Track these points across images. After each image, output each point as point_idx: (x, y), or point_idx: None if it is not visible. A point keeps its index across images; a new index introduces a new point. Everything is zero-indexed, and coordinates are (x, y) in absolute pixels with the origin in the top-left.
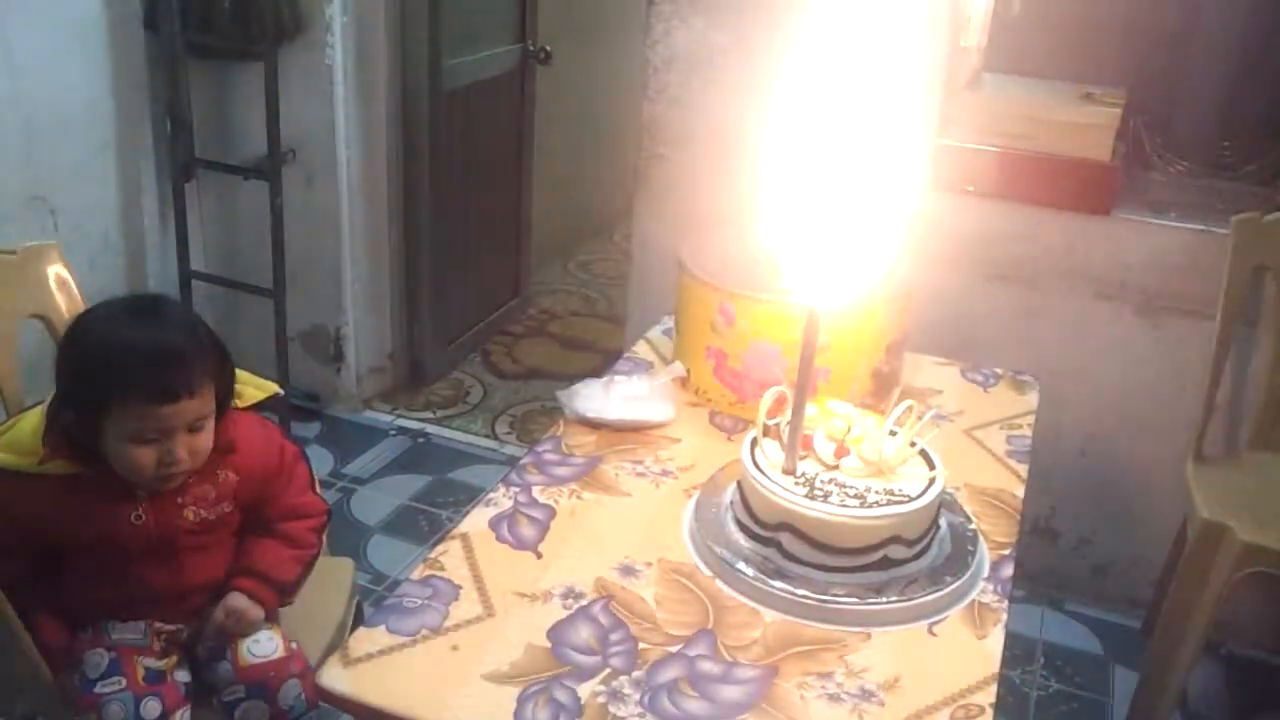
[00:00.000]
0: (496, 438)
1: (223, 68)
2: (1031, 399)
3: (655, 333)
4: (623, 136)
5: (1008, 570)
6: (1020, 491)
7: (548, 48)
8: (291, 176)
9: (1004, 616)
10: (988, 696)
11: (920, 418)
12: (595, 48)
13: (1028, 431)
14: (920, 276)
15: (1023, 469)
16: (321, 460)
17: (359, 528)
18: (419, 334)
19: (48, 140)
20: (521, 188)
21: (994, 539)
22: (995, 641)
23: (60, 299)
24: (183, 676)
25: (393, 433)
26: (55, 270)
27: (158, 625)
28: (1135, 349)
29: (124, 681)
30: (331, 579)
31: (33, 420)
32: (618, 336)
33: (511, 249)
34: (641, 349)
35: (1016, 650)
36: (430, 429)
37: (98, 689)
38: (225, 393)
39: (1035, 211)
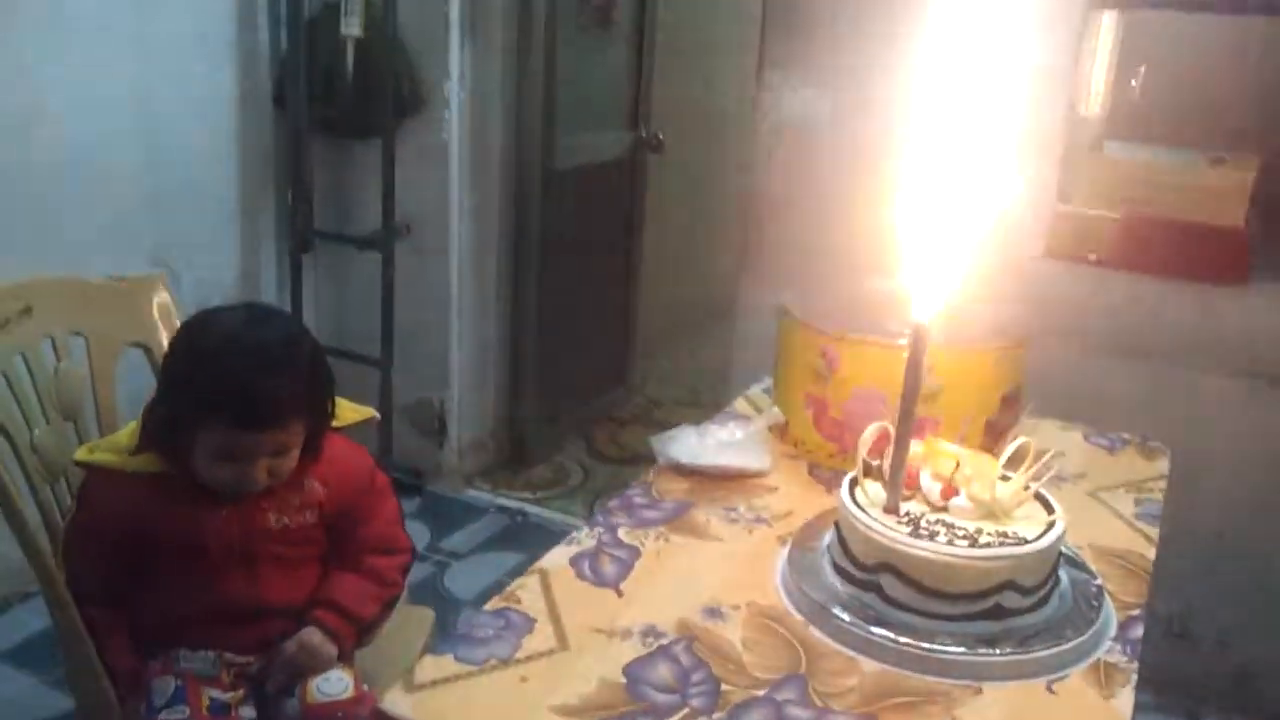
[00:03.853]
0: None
1: (343, 143)
2: (1162, 465)
3: (755, 390)
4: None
5: (1137, 631)
6: (1151, 553)
7: (660, 135)
8: (404, 250)
9: (1134, 678)
10: None
11: (1038, 459)
12: (710, 138)
13: (1159, 496)
14: (1040, 348)
15: (1153, 531)
16: (418, 535)
17: (452, 601)
18: (522, 413)
19: (176, 207)
20: (630, 274)
21: (1121, 599)
22: (1124, 703)
23: (163, 330)
24: (248, 713)
25: (491, 510)
26: (159, 299)
27: (229, 657)
28: (1276, 427)
29: (187, 711)
30: (411, 626)
31: (132, 425)
32: None
33: (619, 334)
34: (740, 405)
35: None
36: (529, 508)
37: (161, 716)
38: (321, 422)
39: (1163, 282)
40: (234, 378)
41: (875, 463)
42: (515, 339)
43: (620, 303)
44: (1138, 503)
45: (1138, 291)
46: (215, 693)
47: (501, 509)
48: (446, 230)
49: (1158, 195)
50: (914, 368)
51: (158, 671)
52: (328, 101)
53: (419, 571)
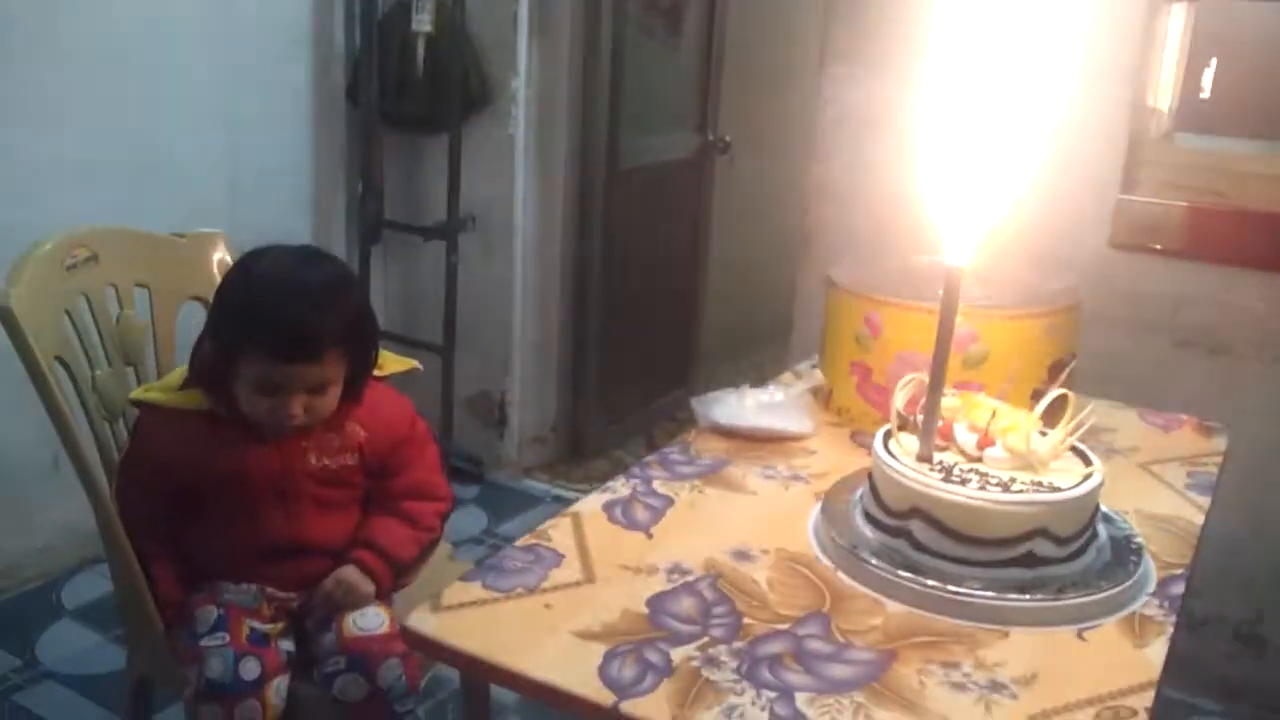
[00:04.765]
0: None
1: (413, 137)
2: (1219, 443)
3: (803, 366)
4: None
5: (1178, 588)
6: (1199, 520)
7: (727, 137)
8: (470, 243)
9: (1170, 630)
10: (1144, 701)
11: (1078, 411)
12: (777, 141)
13: (1213, 469)
14: (1105, 337)
15: (1204, 500)
16: (475, 519)
17: None
18: (583, 409)
19: (252, 194)
20: (696, 276)
21: (1163, 559)
22: (1157, 652)
23: None
24: (286, 645)
25: (548, 499)
26: (219, 256)
27: (270, 591)
28: None
29: (227, 638)
30: (452, 576)
31: (182, 368)
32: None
33: (682, 337)
34: (786, 377)
35: None
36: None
37: (202, 642)
38: (361, 365)
39: (1232, 272)
40: (276, 307)
41: (911, 417)
42: (577, 335)
43: (685, 303)
44: (1190, 475)
45: (1206, 281)
46: (255, 623)
47: (557, 498)
48: (511, 224)
49: (1230, 185)
50: (948, 313)
51: (201, 602)
52: (399, 96)
53: (475, 553)
